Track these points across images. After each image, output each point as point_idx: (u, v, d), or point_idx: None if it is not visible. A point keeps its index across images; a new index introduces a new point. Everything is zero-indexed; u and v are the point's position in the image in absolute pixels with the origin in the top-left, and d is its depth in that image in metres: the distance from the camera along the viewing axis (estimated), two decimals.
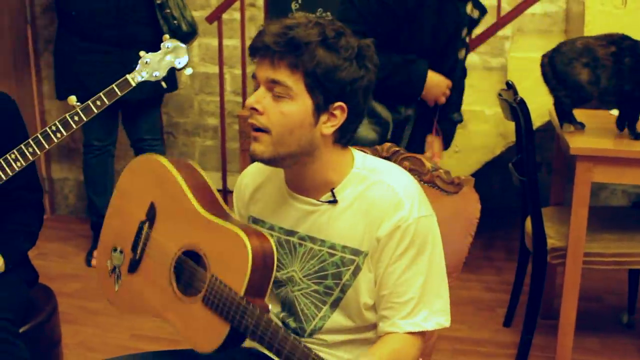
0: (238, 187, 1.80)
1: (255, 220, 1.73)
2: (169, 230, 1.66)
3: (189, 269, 1.63)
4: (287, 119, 1.51)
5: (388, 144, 1.88)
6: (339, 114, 1.54)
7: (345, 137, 1.60)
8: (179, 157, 4.40)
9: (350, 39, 1.53)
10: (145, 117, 3.89)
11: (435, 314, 1.59)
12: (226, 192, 4.27)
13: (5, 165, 2.10)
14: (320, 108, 1.52)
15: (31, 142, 2.12)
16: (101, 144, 3.84)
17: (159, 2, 3.56)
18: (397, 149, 1.87)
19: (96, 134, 3.80)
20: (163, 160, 1.71)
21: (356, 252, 1.58)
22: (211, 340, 1.54)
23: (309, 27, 1.50)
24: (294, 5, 3.93)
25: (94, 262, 1.84)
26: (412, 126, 2.78)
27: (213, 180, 1.76)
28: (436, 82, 2.71)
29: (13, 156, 2.10)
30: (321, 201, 1.61)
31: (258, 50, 1.52)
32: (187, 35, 3.63)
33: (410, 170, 1.77)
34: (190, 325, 1.59)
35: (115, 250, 1.76)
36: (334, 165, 1.60)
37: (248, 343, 1.78)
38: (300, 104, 1.51)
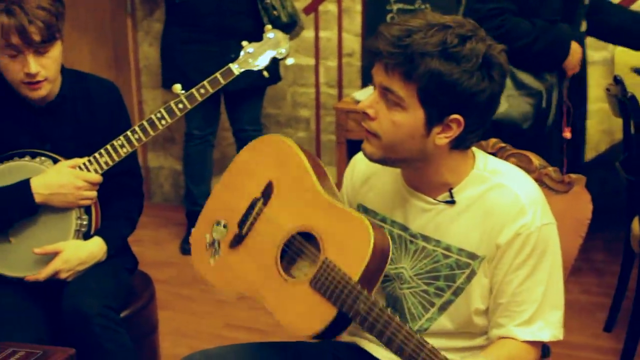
0: (350, 171, 1.76)
1: (366, 210, 1.69)
2: (285, 210, 1.64)
3: (299, 250, 1.60)
4: (397, 129, 1.46)
5: (494, 140, 1.82)
6: (455, 126, 1.46)
7: (463, 145, 1.52)
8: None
9: (477, 44, 1.41)
10: (247, 108, 3.92)
11: (551, 326, 1.53)
12: None
13: (112, 151, 2.14)
14: (434, 120, 1.45)
15: (137, 129, 2.15)
16: (201, 133, 3.90)
17: None
18: (502, 145, 1.80)
19: (197, 123, 3.85)
20: (289, 140, 1.68)
21: (472, 256, 1.53)
22: (313, 324, 1.51)
23: (429, 35, 1.40)
24: None
25: (193, 230, 1.83)
26: (557, 96, 2.70)
27: None
28: (575, 49, 2.63)
29: (119, 142, 2.14)
30: (438, 200, 1.56)
31: (373, 54, 1.46)
32: (286, 26, 3.61)
33: None
34: (290, 307, 1.56)
35: (218, 223, 1.74)
36: (452, 167, 1.54)
37: (348, 337, 1.75)
38: (412, 115, 1.44)
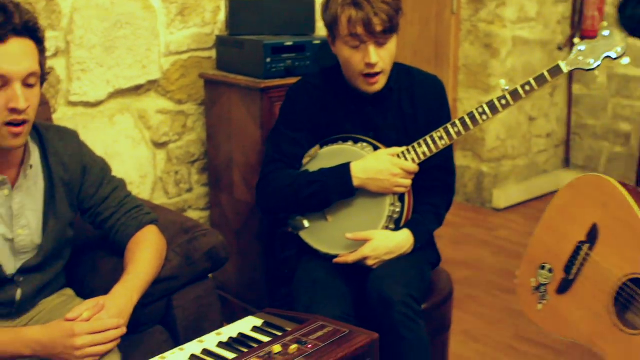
0: None
1: None
2: (614, 255, 1.56)
3: (631, 297, 1.50)
4: None
5: None
6: None
7: None
8: (586, 169, 4.20)
9: None
10: None
11: None
12: None
13: (430, 142, 2.16)
14: None
15: (457, 122, 2.15)
16: None
17: None
18: None
19: None
20: (612, 181, 1.61)
21: None
22: None
23: None
24: None
25: (517, 273, 1.79)
26: None
27: None
28: None
29: (438, 134, 2.15)
30: None
31: None
32: None
33: None
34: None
35: (543, 267, 1.69)
36: None
37: None
38: None
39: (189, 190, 3.13)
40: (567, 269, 1.63)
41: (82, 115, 2.75)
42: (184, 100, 3.02)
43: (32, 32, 1.69)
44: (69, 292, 2.01)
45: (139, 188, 2.95)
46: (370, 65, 2.10)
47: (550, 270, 1.67)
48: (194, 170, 3.13)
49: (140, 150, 2.94)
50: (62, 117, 2.68)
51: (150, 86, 2.92)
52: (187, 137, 3.07)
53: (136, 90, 2.88)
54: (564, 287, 1.64)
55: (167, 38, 2.92)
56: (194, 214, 3.15)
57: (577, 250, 1.62)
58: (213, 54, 3.02)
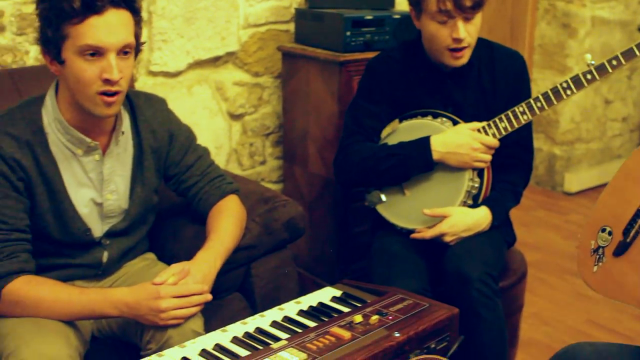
0: None
1: None
2: None
3: None
4: None
5: None
6: None
7: None
8: None
9: None
10: None
11: None
12: None
13: (512, 117, 2.13)
14: None
15: (540, 97, 2.11)
16: None
17: None
18: None
19: None
20: None
21: None
22: None
23: None
24: None
25: (579, 235, 1.78)
26: None
27: None
28: None
29: (521, 109, 2.12)
30: None
31: None
32: None
33: None
34: None
35: (603, 230, 1.68)
36: None
37: None
38: None
39: (263, 162, 3.16)
40: (626, 231, 1.62)
41: (162, 85, 2.79)
42: (260, 73, 3.04)
43: (129, 2, 1.71)
44: (151, 256, 2.06)
45: (214, 159, 2.98)
46: (458, 40, 2.07)
47: (609, 233, 1.66)
48: (268, 143, 3.15)
49: (217, 122, 2.98)
50: (143, 86, 2.73)
51: (228, 58, 2.94)
52: (263, 109, 3.09)
53: (214, 61, 2.91)
54: (621, 250, 1.64)
55: (246, 10, 2.94)
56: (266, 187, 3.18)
57: (638, 213, 1.61)
58: (291, 27, 3.02)
